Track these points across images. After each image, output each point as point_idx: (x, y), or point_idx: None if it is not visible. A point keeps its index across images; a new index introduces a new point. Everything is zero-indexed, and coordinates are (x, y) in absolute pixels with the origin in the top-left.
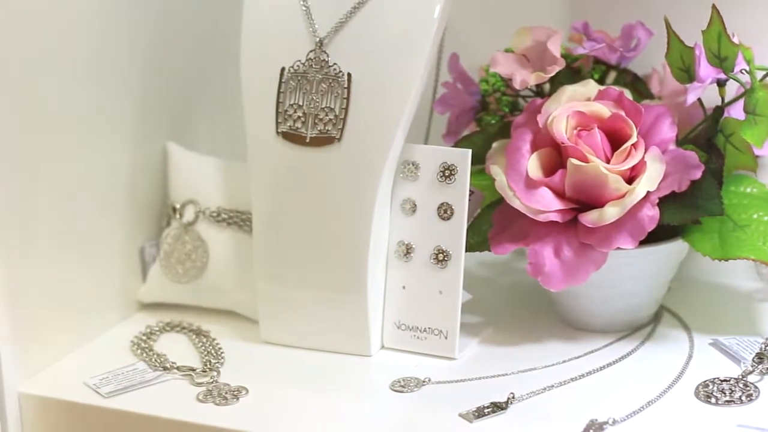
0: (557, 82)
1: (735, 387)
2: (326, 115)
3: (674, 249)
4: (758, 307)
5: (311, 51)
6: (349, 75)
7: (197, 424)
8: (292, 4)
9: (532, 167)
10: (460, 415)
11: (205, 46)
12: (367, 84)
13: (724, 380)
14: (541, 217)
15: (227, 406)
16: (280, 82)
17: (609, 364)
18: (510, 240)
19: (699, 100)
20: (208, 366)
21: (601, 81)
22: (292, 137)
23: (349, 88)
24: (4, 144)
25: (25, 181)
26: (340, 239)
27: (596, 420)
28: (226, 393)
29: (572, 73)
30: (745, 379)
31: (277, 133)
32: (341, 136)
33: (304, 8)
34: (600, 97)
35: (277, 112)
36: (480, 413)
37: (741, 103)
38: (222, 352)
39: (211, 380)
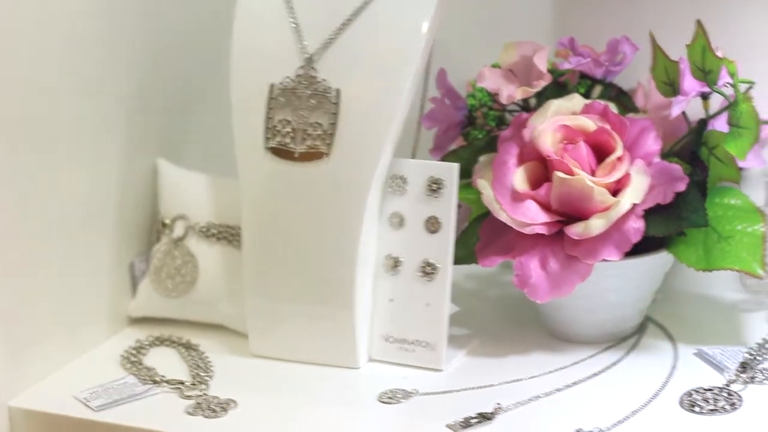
0: (543, 96)
1: (719, 396)
2: (315, 131)
3: (659, 260)
4: (742, 317)
5: (300, 67)
6: (338, 91)
7: None
8: (281, 21)
9: (519, 180)
10: (447, 425)
11: (196, 63)
12: (355, 99)
13: (708, 389)
14: (527, 230)
15: (216, 419)
16: (269, 98)
17: (594, 375)
18: (497, 253)
19: (683, 113)
20: (198, 379)
21: (586, 95)
22: (281, 153)
23: (338, 103)
24: None
25: (14, 198)
26: (329, 253)
27: (582, 430)
28: (215, 406)
29: (558, 87)
30: (728, 388)
31: (266, 148)
32: (330, 151)
33: (293, 25)
34: (585, 111)
35: (267, 128)
36: (467, 424)
37: (725, 115)
38: (211, 366)
39: (201, 393)
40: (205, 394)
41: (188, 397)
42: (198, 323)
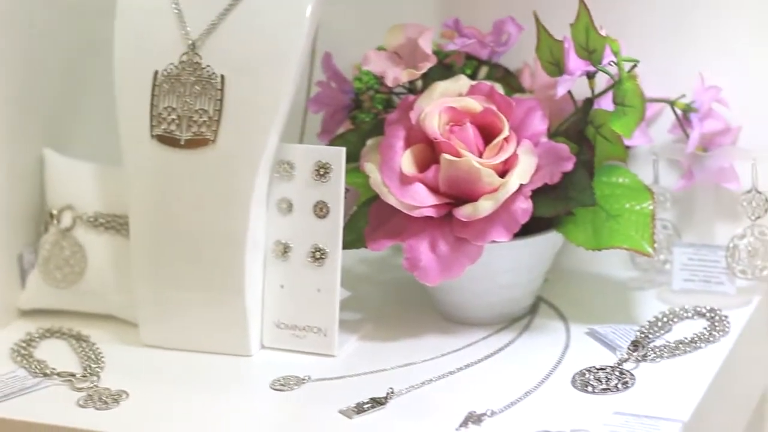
0: (429, 78)
1: (611, 375)
2: (200, 118)
3: (548, 241)
4: (633, 295)
5: (184, 53)
6: (222, 77)
7: (78, 429)
8: (163, 7)
9: (406, 163)
10: (340, 411)
11: (80, 52)
12: (240, 85)
13: (601, 369)
14: (415, 213)
15: (108, 411)
16: (154, 86)
17: (487, 357)
18: (386, 236)
19: (569, 92)
20: (89, 371)
21: (472, 76)
22: (167, 140)
23: (222, 90)
24: None
25: None
26: (217, 240)
27: (475, 412)
28: (106, 397)
29: (444, 69)
30: (620, 366)
31: (152, 136)
32: (216, 137)
33: (176, 11)
34: (472, 92)
35: (152, 116)
36: (360, 409)
37: (610, 94)
38: (102, 357)
39: (92, 385)
40: (96, 386)
41: (79, 390)
42: (88, 314)
